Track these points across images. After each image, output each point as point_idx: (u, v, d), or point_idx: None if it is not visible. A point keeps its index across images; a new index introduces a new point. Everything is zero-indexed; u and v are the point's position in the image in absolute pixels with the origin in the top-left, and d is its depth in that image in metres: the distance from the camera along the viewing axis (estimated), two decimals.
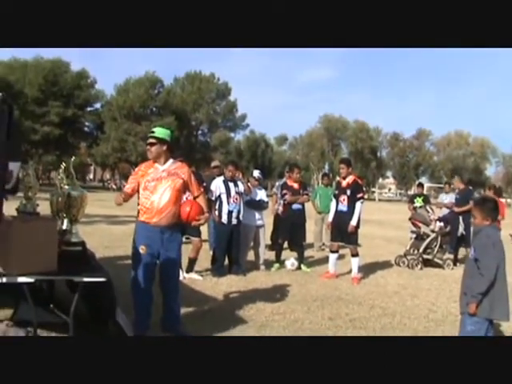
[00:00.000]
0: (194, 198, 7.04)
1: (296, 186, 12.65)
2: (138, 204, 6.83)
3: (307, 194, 13.04)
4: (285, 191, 12.64)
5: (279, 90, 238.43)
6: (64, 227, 5.66)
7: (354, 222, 11.04)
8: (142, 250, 6.59)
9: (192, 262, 10.64)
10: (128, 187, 6.79)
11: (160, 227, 6.63)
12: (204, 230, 11.56)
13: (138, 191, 6.79)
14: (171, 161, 6.86)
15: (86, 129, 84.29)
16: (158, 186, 6.64)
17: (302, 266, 12.39)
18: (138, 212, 6.81)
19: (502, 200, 16.52)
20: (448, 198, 16.22)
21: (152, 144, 6.72)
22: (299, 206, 12.62)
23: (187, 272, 10.48)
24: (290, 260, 12.28)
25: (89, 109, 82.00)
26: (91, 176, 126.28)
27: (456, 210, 14.98)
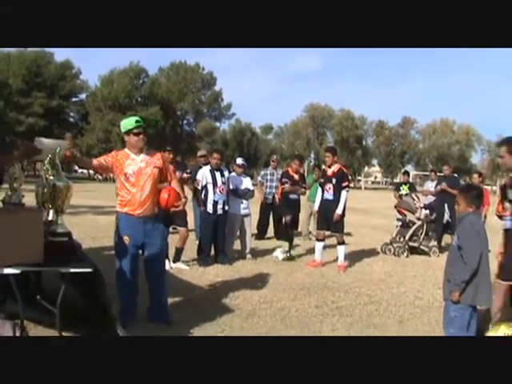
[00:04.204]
0: (169, 183, 7.11)
1: (297, 176, 12.99)
2: (117, 195, 6.85)
3: (305, 188, 13.46)
4: (285, 180, 12.87)
5: (265, 79, 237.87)
6: (50, 218, 5.64)
7: (339, 211, 11.09)
8: (126, 240, 6.63)
9: (179, 252, 10.66)
10: (99, 159, 6.81)
11: (143, 218, 6.69)
12: (191, 219, 11.57)
13: (113, 179, 6.85)
14: (145, 150, 6.92)
15: (70, 119, 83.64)
16: (139, 178, 6.69)
17: (290, 253, 12.41)
18: (120, 203, 6.81)
19: (487, 187, 16.58)
20: (434, 186, 16.28)
21: (143, 133, 6.81)
22: (296, 196, 12.97)
23: (174, 262, 10.50)
24: (277, 252, 12.28)
25: (73, 99, 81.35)
26: (76, 167, 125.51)
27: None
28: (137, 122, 6.82)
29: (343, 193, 11.19)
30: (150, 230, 6.80)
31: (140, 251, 6.92)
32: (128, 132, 6.84)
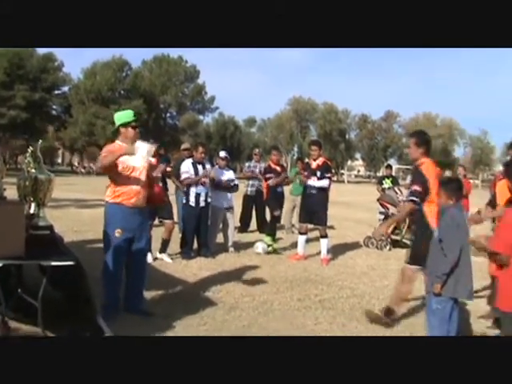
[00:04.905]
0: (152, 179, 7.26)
1: (279, 168, 13.09)
2: (110, 186, 6.82)
3: (287, 177, 13.66)
4: (270, 175, 12.87)
5: (248, 73, 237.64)
6: (31, 211, 5.62)
7: (317, 183, 11.21)
8: (117, 233, 6.62)
9: (165, 243, 10.70)
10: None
11: (137, 208, 6.76)
12: (174, 212, 11.55)
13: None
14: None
15: (53, 112, 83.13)
16: (136, 169, 6.76)
17: (272, 247, 12.40)
18: (113, 194, 6.78)
19: (470, 181, 16.70)
20: None
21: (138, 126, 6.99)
22: (280, 189, 13.10)
23: (160, 253, 10.57)
24: (259, 245, 12.25)
25: (56, 92, 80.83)
26: (59, 160, 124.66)
27: None
28: (134, 115, 6.91)
29: (325, 179, 11.22)
30: (140, 223, 6.88)
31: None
32: (125, 125, 6.88)
